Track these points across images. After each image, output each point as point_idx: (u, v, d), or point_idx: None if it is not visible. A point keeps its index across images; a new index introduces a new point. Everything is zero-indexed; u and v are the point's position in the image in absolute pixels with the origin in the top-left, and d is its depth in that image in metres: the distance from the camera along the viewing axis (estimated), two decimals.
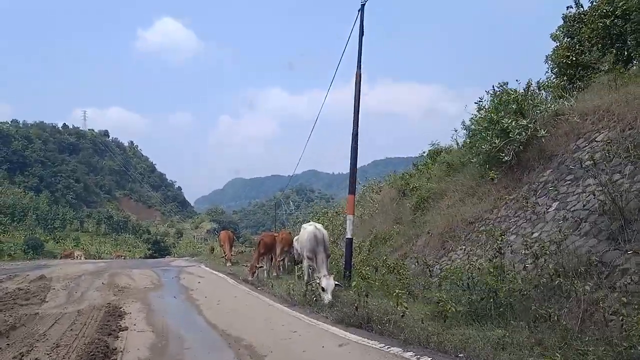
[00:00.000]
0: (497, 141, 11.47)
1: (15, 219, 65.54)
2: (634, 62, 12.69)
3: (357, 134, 11.77)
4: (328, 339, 6.89)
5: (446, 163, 15.92)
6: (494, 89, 13.31)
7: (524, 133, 11.13)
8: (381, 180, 26.44)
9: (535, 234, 9.33)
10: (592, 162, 8.69)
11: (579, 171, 9.61)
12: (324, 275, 9.15)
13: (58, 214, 76.96)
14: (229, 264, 20.78)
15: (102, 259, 45.30)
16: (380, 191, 22.94)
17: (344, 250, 12.98)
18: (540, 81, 14.88)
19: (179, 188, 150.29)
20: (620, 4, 12.63)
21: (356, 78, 11.73)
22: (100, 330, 7.28)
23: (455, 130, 17.99)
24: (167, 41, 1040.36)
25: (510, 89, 12.63)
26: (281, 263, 15.97)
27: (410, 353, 5.81)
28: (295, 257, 14.40)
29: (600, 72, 12.60)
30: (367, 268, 11.40)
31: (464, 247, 11.52)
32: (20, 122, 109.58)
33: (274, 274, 15.48)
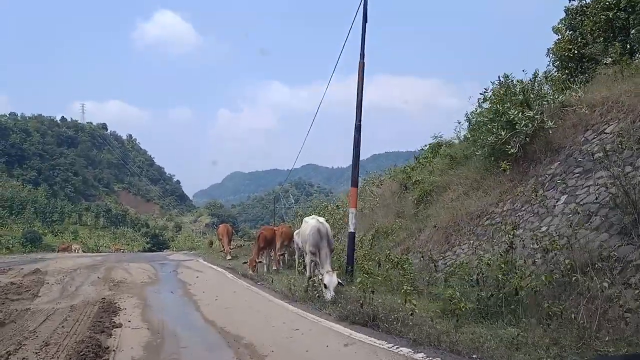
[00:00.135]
0: (503, 133, 11.19)
1: (13, 212, 65.39)
2: (638, 55, 12.50)
3: (360, 126, 11.48)
4: (332, 337, 6.55)
5: (449, 156, 15.63)
6: (500, 79, 13.04)
7: (530, 125, 10.87)
8: (382, 174, 26.19)
9: (544, 228, 9.09)
10: (604, 153, 8.44)
11: (588, 163, 9.37)
12: (326, 272, 8.82)
13: (56, 207, 76.77)
14: (228, 257, 20.52)
15: (100, 252, 45.05)
16: (381, 185, 22.67)
17: (344, 244, 12.74)
18: (543, 74, 14.71)
19: (178, 182, 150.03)
20: None
21: (359, 68, 11.40)
22: (93, 328, 6.94)
23: (459, 123, 17.78)
24: (166, 34, 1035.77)
25: (517, 79, 12.39)
26: (281, 257, 15.68)
27: (422, 354, 5.46)
28: (296, 251, 14.09)
29: (604, 64, 12.31)
30: (370, 263, 11.16)
31: (469, 241, 11.25)
32: (19, 115, 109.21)
33: (274, 268, 15.22)
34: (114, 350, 5.94)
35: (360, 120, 11.45)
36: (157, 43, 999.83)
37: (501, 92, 12.21)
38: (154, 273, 16.12)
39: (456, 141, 17.87)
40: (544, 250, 7.59)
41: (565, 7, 15.34)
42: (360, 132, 11.46)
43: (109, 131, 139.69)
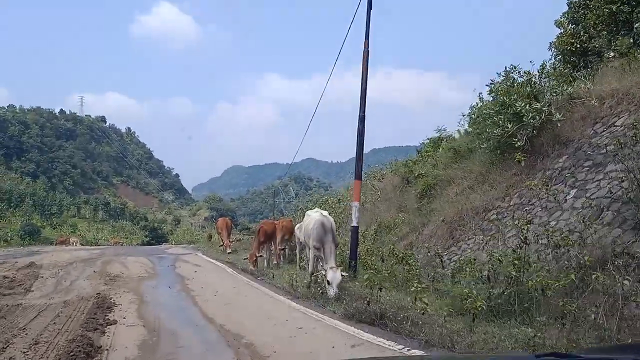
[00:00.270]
0: (509, 125, 10.95)
1: (12, 204, 64.86)
2: None
3: (364, 117, 11.16)
4: (338, 337, 6.20)
5: (453, 149, 15.37)
6: (506, 70, 12.78)
7: (538, 117, 10.65)
8: (383, 168, 25.91)
9: (553, 223, 8.87)
10: (619, 145, 8.19)
11: (598, 157, 9.17)
12: (330, 267, 8.47)
13: (55, 200, 76.29)
14: (228, 251, 20.20)
15: (99, 245, 44.75)
16: (382, 179, 22.40)
17: (346, 239, 12.46)
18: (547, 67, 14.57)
19: (177, 175, 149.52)
20: None
21: (363, 56, 11.06)
22: (86, 325, 6.62)
23: (463, 115, 17.57)
24: (164, 26, 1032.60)
25: (524, 71, 12.12)
26: (282, 252, 15.37)
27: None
28: (297, 246, 13.76)
29: (607, 58, 12.28)
30: (373, 258, 10.88)
31: (474, 236, 11.02)
32: (17, 107, 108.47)
33: (275, 262, 14.92)
34: (107, 350, 5.64)
35: (364, 111, 11.12)
36: (157, 35, 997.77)
37: (507, 83, 11.99)
38: (151, 267, 15.79)
39: (457, 135, 17.86)
40: (555, 246, 7.34)
41: (568, 0, 15.22)
42: (364, 123, 11.15)
43: (107, 124, 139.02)
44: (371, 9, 11.02)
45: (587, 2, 14.24)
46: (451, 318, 6.45)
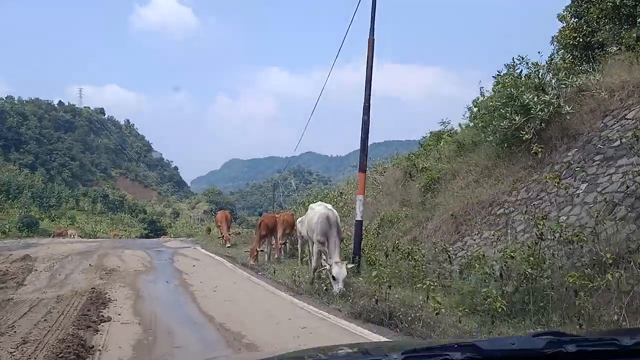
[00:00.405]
0: (517, 118, 10.66)
1: (10, 196, 64.73)
2: None
3: (369, 107, 10.82)
4: (345, 338, 5.85)
5: (457, 142, 15.08)
6: (514, 62, 12.53)
7: (546, 109, 10.37)
8: (384, 161, 25.57)
9: (562, 218, 8.58)
10: (634, 138, 7.92)
11: (609, 150, 8.91)
12: (335, 262, 8.13)
13: (53, 192, 76.07)
14: (227, 244, 19.91)
15: (98, 237, 44.49)
16: (384, 172, 22.07)
17: (348, 233, 12.17)
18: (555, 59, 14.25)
19: (176, 168, 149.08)
20: None
21: (369, 44, 10.69)
22: (78, 323, 6.27)
23: (469, 108, 17.30)
24: (164, 18, 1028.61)
25: (532, 62, 11.80)
26: (282, 246, 15.07)
27: None
28: (299, 240, 13.44)
29: (611, 51, 12.11)
30: (377, 253, 10.59)
31: (480, 231, 10.73)
32: (16, 98, 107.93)
33: (276, 257, 14.63)
34: (99, 350, 5.30)
35: (369, 101, 10.79)
36: (156, 27, 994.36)
37: (515, 75, 11.72)
38: (149, 261, 15.47)
39: (458, 129, 17.61)
40: (569, 242, 7.05)
41: None
42: (369, 114, 10.81)
43: (106, 116, 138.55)
44: None
45: None
46: (456, 315, 6.14)
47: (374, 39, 10.73)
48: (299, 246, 13.66)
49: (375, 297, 6.64)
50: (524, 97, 10.57)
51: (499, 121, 11.24)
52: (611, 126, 9.36)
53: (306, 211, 11.49)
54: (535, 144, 9.37)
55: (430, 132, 19.89)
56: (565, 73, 11.67)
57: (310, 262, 10.00)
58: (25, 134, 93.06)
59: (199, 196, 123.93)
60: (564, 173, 9.67)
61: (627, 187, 7.86)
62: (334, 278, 8.03)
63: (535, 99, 10.43)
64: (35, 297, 8.35)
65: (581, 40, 13.68)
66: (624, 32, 12.11)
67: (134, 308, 7.75)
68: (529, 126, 10.62)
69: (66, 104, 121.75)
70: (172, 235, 51.52)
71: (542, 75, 11.28)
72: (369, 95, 10.81)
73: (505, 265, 6.84)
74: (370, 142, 11.98)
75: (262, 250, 14.18)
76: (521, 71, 11.79)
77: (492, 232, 9.93)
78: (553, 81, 11.24)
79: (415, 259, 9.27)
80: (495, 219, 10.53)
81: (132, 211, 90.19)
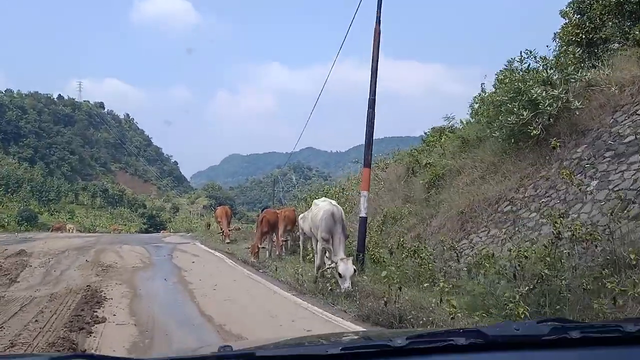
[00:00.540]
0: (525, 113, 10.42)
1: (9, 190, 64.53)
2: None
3: (374, 100, 10.56)
4: None
5: (461, 138, 14.84)
6: (521, 55, 12.34)
7: (554, 104, 10.17)
8: (386, 157, 25.31)
9: (573, 216, 8.36)
10: None
11: (620, 147, 8.75)
12: (340, 259, 7.84)
13: (53, 186, 75.81)
14: (227, 240, 19.66)
15: (97, 232, 44.25)
16: (386, 168, 21.80)
17: (351, 230, 11.91)
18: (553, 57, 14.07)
19: (175, 163, 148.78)
20: None
21: (375, 35, 10.38)
22: (71, 324, 5.98)
23: (473, 104, 17.10)
24: (164, 13, 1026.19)
25: (540, 56, 11.63)
26: (284, 243, 14.81)
27: None
28: (301, 237, 13.16)
29: (615, 48, 12.10)
30: (381, 250, 10.34)
31: (487, 229, 10.52)
32: (15, 92, 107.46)
33: (277, 254, 14.36)
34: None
35: (374, 94, 10.51)
36: (156, 22, 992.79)
37: (522, 69, 11.59)
38: (147, 257, 15.19)
39: (460, 125, 17.46)
40: (582, 241, 6.77)
41: None
42: (374, 108, 10.55)
43: (106, 110, 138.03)
44: None
45: None
46: (473, 319, 5.84)
47: (380, 30, 10.42)
48: (300, 243, 13.39)
49: (385, 298, 6.31)
50: (532, 91, 10.37)
51: (505, 116, 11.05)
52: (622, 122, 9.20)
53: (308, 207, 11.23)
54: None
55: (433, 128, 19.63)
56: (574, 67, 11.46)
57: (314, 260, 9.71)
58: (24, 127, 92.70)
59: (198, 191, 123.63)
60: (573, 170, 9.47)
61: (634, 183, 7.67)
62: (340, 275, 7.74)
63: (544, 94, 10.22)
64: (27, 295, 8.07)
65: (584, 36, 13.57)
66: (628, 28, 12.01)
67: (130, 307, 7.47)
68: (536, 121, 10.41)
69: (66, 97, 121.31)
70: (171, 230, 51.24)
71: (550, 69, 11.09)
72: (375, 88, 10.54)
73: (519, 265, 6.55)
74: None
75: (263, 247, 13.92)
76: (529, 65, 11.59)
77: (500, 230, 9.70)
78: (559, 76, 11.05)
79: (421, 257, 9.02)
80: (502, 217, 10.32)
81: (132, 206, 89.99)
